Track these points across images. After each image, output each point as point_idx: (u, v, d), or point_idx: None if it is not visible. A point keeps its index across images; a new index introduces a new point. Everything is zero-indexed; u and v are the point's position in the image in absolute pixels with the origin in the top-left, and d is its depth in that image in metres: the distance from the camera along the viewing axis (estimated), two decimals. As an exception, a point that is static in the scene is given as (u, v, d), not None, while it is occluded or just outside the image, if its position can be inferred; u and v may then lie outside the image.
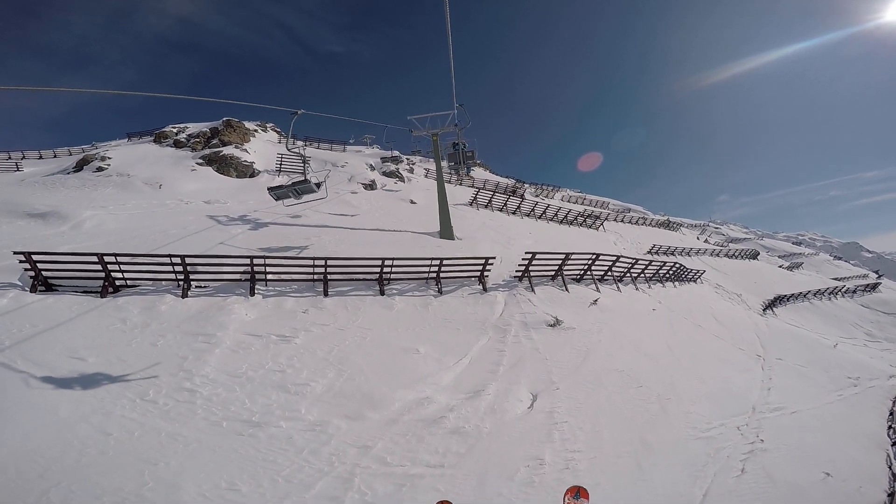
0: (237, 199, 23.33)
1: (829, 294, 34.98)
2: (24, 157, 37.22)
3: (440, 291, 14.18)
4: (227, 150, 30.61)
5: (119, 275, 12.40)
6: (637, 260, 20.14)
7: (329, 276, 13.54)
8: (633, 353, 12.77)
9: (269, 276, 13.34)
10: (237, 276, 13.19)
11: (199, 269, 13.01)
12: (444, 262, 14.17)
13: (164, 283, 13.04)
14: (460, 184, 43.35)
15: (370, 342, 11.33)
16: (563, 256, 15.93)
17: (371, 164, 36.84)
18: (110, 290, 12.22)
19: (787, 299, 29.83)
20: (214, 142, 32.78)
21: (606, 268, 18.22)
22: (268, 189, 15.92)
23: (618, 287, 18.34)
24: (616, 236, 36.47)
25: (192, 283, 13.03)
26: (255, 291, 12.97)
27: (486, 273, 15.05)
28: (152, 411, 7.90)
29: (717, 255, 40.66)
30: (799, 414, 10.98)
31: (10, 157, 36.18)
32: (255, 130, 47.32)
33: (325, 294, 13.20)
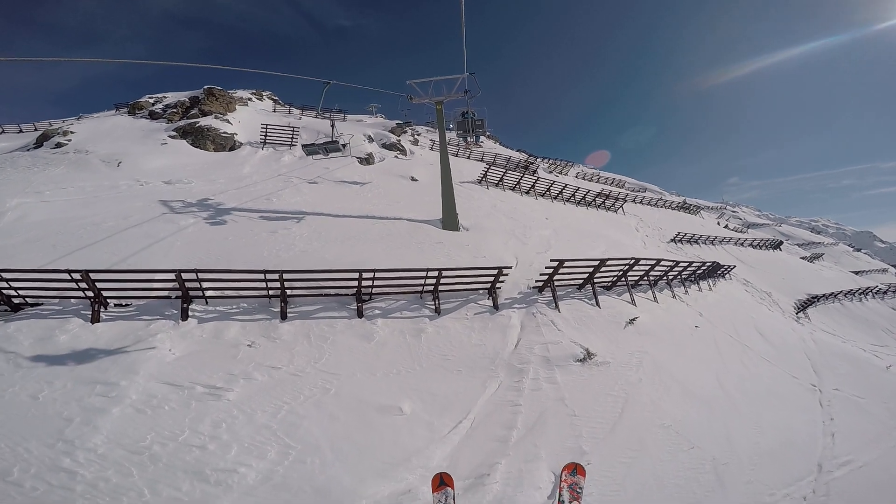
0: (206, 177, 19.72)
1: (860, 294, 32.41)
2: None
3: (438, 310, 10.60)
4: (206, 121, 26.62)
5: (13, 292, 9.41)
6: (676, 262, 16.45)
7: (289, 292, 10.05)
8: (681, 397, 9.62)
9: (209, 293, 9.94)
10: (166, 294, 9.84)
11: (115, 284, 9.67)
12: (444, 273, 10.54)
13: (73, 301, 9.83)
14: (468, 157, 39.07)
15: (335, 398, 8.00)
16: (595, 263, 12.16)
17: (370, 136, 32.56)
18: (5, 310, 9.38)
19: (818, 300, 27.08)
20: (193, 112, 28.81)
21: (643, 272, 14.50)
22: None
23: (654, 295, 14.63)
24: (637, 220, 32.51)
25: (108, 301, 9.79)
26: (190, 314, 9.63)
27: (498, 285, 11.44)
28: (14, 498, 5.66)
29: (741, 244, 37.11)
30: (868, 468, 9.12)
31: None
32: (250, 99, 43.29)
33: (283, 316, 9.74)
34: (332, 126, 18.46)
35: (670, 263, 15.78)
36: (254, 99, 44.47)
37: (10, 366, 7.84)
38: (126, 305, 9.93)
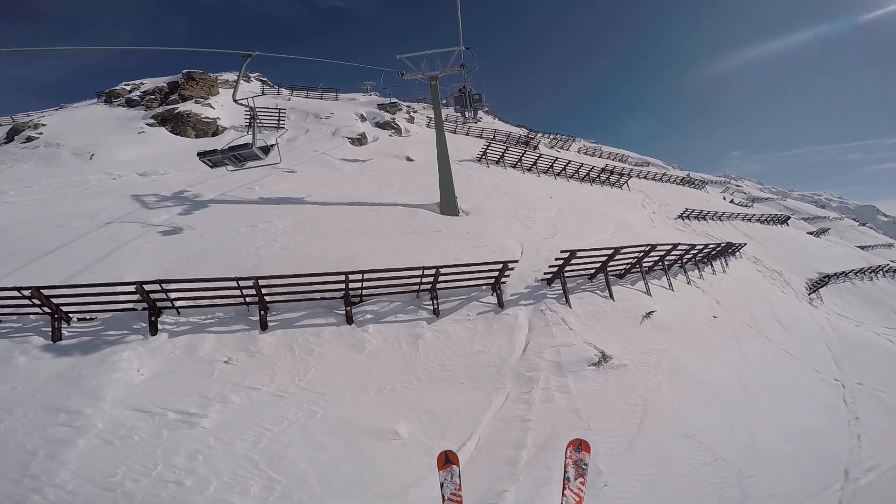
0: (185, 166, 18.53)
1: (871, 273, 31.73)
2: None
3: (436, 311, 9.64)
4: (186, 107, 25.26)
5: None
6: (693, 246, 15.50)
7: (269, 299, 9.13)
8: (703, 401, 8.82)
9: (179, 304, 9.06)
10: (132, 306, 8.98)
11: (74, 299, 8.80)
12: (443, 271, 9.56)
13: (32, 317, 9.02)
14: (467, 134, 37.60)
15: (323, 422, 7.19)
16: (609, 252, 11.13)
17: (362, 115, 31.08)
18: None
19: (829, 279, 26.33)
20: (173, 98, 27.42)
21: (658, 258, 13.53)
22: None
23: (669, 282, 13.65)
24: (642, 196, 31.50)
25: (70, 315, 8.97)
26: (160, 327, 8.78)
27: (503, 280, 10.48)
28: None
29: (749, 219, 36.29)
30: (894, 472, 8.37)
31: None
32: (236, 81, 41.66)
33: (263, 326, 8.84)
34: (252, 121, 12.92)
35: (686, 247, 14.83)
36: (242, 81, 42.86)
37: None
38: (91, 319, 9.11)
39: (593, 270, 11.78)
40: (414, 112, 44.34)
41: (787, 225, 41.71)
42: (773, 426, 8.84)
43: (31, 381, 7.57)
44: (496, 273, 10.12)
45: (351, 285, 9.22)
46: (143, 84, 29.93)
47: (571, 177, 29.11)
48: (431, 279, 9.59)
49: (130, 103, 27.79)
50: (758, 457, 7.80)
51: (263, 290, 8.86)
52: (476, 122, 45.03)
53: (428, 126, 35.19)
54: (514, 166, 27.22)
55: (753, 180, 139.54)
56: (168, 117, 24.65)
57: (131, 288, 8.62)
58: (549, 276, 11.14)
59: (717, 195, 52.75)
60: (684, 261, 15.49)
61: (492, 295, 10.45)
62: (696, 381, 9.29)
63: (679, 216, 28.04)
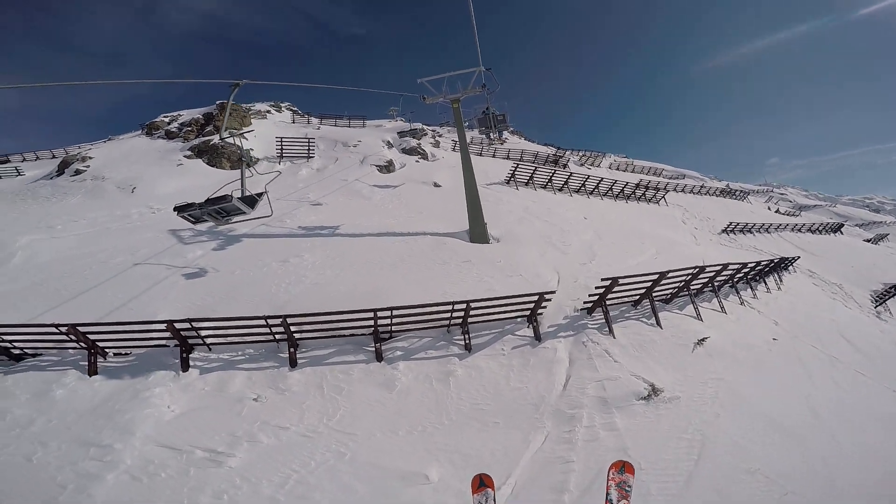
0: (220, 199, 19.44)
1: None
2: (23, 160, 35.85)
3: (468, 347, 9.38)
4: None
5: (10, 344, 9.18)
6: (744, 264, 14.75)
7: (298, 336, 9.14)
8: (768, 432, 8.04)
9: (211, 340, 9.20)
10: (164, 343, 9.18)
11: (109, 336, 9.10)
12: (473, 305, 9.33)
13: (71, 351, 9.39)
14: (493, 156, 37.72)
15: (351, 464, 7.00)
16: (654, 277, 10.66)
17: (389, 141, 31.74)
18: (7, 360, 9.23)
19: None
20: (208, 129, 28.81)
21: (707, 279, 12.86)
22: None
23: (720, 304, 12.92)
24: (681, 211, 30.57)
25: (106, 350, 9.26)
26: (191, 363, 8.91)
27: (539, 311, 10.17)
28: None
29: (798, 229, 34.51)
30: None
31: (9, 161, 35.07)
32: (268, 111, 43.50)
33: (292, 364, 8.83)
34: (245, 164, 11.65)
35: (737, 266, 14.10)
36: (272, 111, 44.63)
37: (6, 423, 7.63)
38: (126, 354, 9.37)
39: (637, 297, 11.29)
40: (439, 136, 44.97)
41: (841, 233, 39.51)
42: (851, 457, 8.00)
43: (67, 415, 7.86)
44: (531, 305, 9.81)
45: (380, 322, 9.12)
46: (180, 115, 31.46)
47: (605, 194, 28.55)
48: (462, 313, 9.38)
49: (169, 135, 29.28)
50: (833, 491, 7.10)
51: (292, 328, 8.88)
52: (502, 143, 45.21)
53: (454, 150, 35.54)
54: (545, 187, 26.91)
55: (797, 187, 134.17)
56: (204, 149, 25.80)
57: (158, 326, 8.85)
58: (589, 304, 10.73)
59: (760, 205, 50.87)
60: (735, 280, 14.71)
61: (528, 327, 10.09)
62: (759, 412, 8.59)
63: (723, 230, 27.04)
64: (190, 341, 9.01)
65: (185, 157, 25.48)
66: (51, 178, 24.59)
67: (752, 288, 15.56)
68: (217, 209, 10.19)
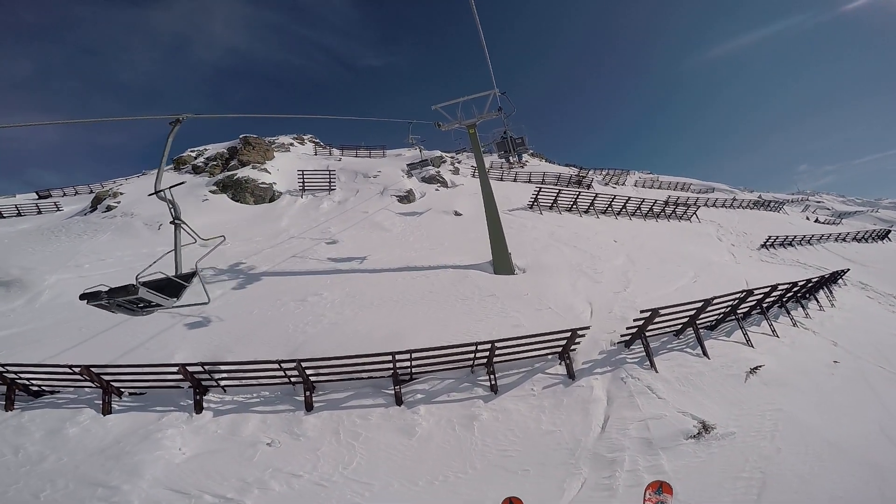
0: (243, 234, 19.68)
1: None
2: (64, 195, 38.51)
3: (494, 388, 8.86)
4: (243, 172, 27.32)
5: (28, 381, 9.43)
6: (794, 283, 13.85)
7: (315, 379, 8.86)
8: (838, 463, 7.23)
9: (225, 382, 9.03)
10: (177, 384, 9.07)
11: (122, 376, 9.10)
12: (499, 345, 8.81)
13: (87, 390, 9.42)
14: (514, 180, 37.60)
15: (368, 517, 6.54)
16: (699, 305, 10.01)
17: (409, 171, 32.18)
18: (26, 396, 9.43)
19: None
20: (233, 163, 29.78)
21: (755, 302, 12.08)
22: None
23: (771, 326, 12.07)
24: (715, 227, 29.60)
25: (122, 390, 9.22)
26: (205, 405, 8.73)
27: (573, 347, 9.64)
28: None
29: (843, 239, 32.83)
30: None
31: (50, 196, 37.74)
32: (291, 144, 44.95)
33: (308, 407, 8.51)
34: (179, 231, 6.21)
35: (786, 285, 13.29)
36: (295, 144, 46.11)
37: (18, 459, 7.74)
38: (141, 394, 9.30)
39: (680, 325, 10.61)
40: (458, 163, 45.30)
41: (889, 239, 37.59)
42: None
43: (77, 454, 7.86)
44: (563, 341, 9.29)
45: (399, 364, 8.77)
46: (206, 150, 32.54)
47: (633, 214, 27.86)
48: (487, 353, 8.94)
49: (196, 170, 30.37)
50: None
51: (308, 371, 8.63)
52: (522, 167, 45.22)
53: (473, 175, 35.58)
54: (570, 209, 26.43)
55: (833, 193, 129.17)
56: (228, 184, 26.56)
57: (170, 369, 8.76)
58: (627, 337, 10.10)
59: (797, 216, 48.84)
60: (784, 300, 13.77)
61: (560, 364, 9.49)
62: (827, 442, 7.75)
63: (762, 245, 25.89)
64: (204, 383, 8.86)
65: (210, 192, 26.24)
66: (85, 214, 25.65)
67: (803, 306, 14.58)
68: (128, 302, 7.36)
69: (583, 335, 9.34)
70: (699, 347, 10.30)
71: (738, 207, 41.36)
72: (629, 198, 28.39)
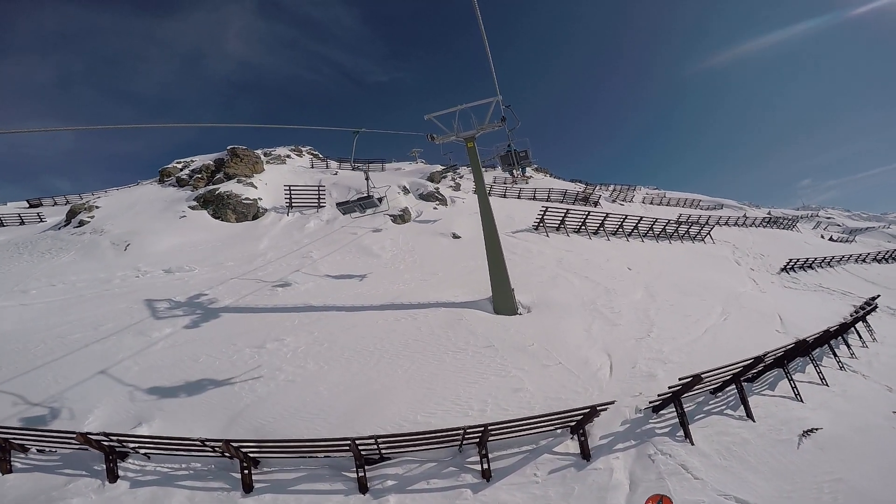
0: (215, 259, 18.21)
1: None
2: (55, 204, 38.88)
3: (486, 474, 7.15)
4: (227, 187, 25.91)
5: None
6: (842, 324, 12.50)
7: (255, 455, 7.35)
8: None
9: (144, 450, 7.51)
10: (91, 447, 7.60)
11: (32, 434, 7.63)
12: (492, 430, 7.16)
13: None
14: (518, 196, 36.31)
15: None
16: (748, 362, 8.43)
17: (405, 187, 30.61)
18: None
19: None
20: (218, 176, 28.51)
21: (805, 348, 10.66)
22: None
23: (819, 373, 10.63)
24: (731, 249, 28.43)
25: (27, 446, 7.80)
26: (120, 473, 7.25)
27: (589, 424, 7.97)
28: None
29: (864, 260, 31.99)
30: None
31: (41, 205, 38.25)
32: (288, 156, 44.04)
33: (247, 489, 6.93)
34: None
35: (837, 326, 11.90)
36: (292, 155, 45.23)
37: None
38: (52, 451, 7.85)
39: (720, 383, 9.06)
40: (460, 178, 44.19)
41: None
42: None
43: None
44: (580, 417, 7.68)
45: (364, 447, 7.23)
46: (192, 161, 31.04)
47: (645, 235, 26.67)
48: (478, 435, 7.33)
49: (180, 182, 29.07)
50: None
51: (246, 449, 7.09)
52: (526, 182, 44.26)
53: (475, 192, 34.48)
54: (578, 231, 25.17)
55: (839, 208, 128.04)
56: (210, 199, 25.26)
57: (73, 436, 7.31)
58: (657, 402, 8.49)
59: (810, 233, 48.47)
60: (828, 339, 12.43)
61: (571, 439, 7.83)
62: None
63: (783, 269, 24.80)
64: (119, 449, 7.36)
65: (189, 207, 25.01)
66: (58, 229, 24.37)
67: (845, 341, 13.34)
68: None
69: (604, 410, 7.71)
70: (742, 407, 8.83)
71: (750, 226, 40.91)
72: (641, 217, 27.40)
